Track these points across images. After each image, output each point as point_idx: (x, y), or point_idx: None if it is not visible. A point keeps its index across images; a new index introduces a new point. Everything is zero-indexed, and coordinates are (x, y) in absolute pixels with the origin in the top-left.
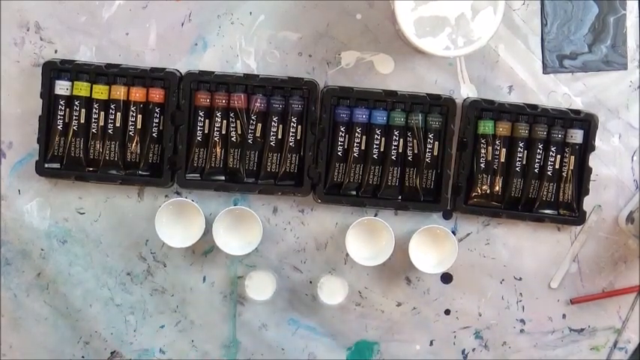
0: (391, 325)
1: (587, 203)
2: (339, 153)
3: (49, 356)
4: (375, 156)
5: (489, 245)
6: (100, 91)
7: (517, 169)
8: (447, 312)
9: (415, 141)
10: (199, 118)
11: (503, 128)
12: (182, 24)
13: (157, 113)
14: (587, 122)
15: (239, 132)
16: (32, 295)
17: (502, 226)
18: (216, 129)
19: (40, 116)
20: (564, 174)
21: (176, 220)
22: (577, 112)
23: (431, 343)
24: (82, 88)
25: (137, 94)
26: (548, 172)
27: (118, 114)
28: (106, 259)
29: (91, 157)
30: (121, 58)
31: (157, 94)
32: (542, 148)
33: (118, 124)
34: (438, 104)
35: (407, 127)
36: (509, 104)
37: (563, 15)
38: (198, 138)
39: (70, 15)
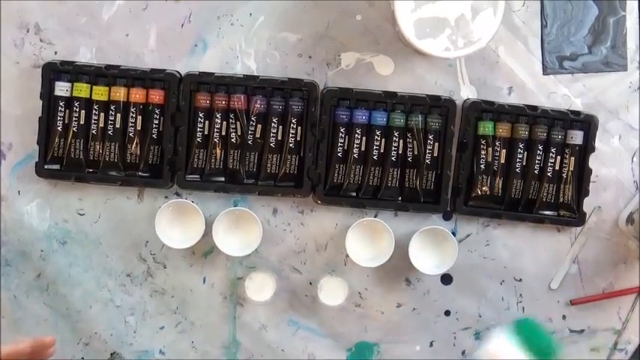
0: (391, 326)
1: (587, 204)
2: (339, 154)
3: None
4: (375, 157)
5: (489, 246)
6: (100, 93)
7: (517, 170)
8: (447, 313)
9: (415, 142)
10: (199, 119)
11: (503, 129)
12: (182, 25)
13: (157, 114)
14: (587, 123)
15: (239, 133)
16: (32, 296)
17: (502, 227)
18: (216, 130)
19: (39, 117)
20: (564, 175)
21: (176, 222)
22: (577, 113)
23: (431, 344)
24: (81, 90)
25: (137, 95)
26: (548, 174)
27: (118, 115)
28: (105, 260)
29: (91, 158)
30: (121, 59)
31: (156, 96)
32: (542, 149)
33: (117, 126)
34: (437, 105)
35: (407, 129)
36: (509, 105)
37: (563, 16)
38: (198, 139)
39: (69, 16)
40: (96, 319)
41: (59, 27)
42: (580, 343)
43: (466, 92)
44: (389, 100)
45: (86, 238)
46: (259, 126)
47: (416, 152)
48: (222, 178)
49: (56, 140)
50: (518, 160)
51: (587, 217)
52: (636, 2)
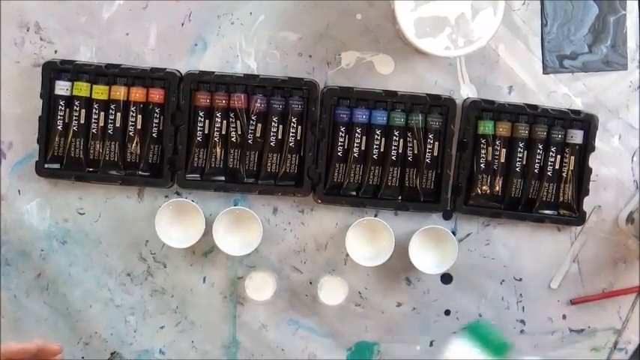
0: (391, 325)
1: (587, 204)
2: (339, 153)
3: None
4: (375, 156)
5: (489, 246)
6: (100, 92)
7: (517, 169)
8: (447, 312)
9: (415, 141)
10: (199, 118)
11: (503, 128)
12: (182, 24)
13: (157, 113)
14: (587, 123)
15: (239, 132)
16: (32, 296)
17: (502, 226)
18: (216, 129)
19: (40, 116)
20: (564, 174)
21: (176, 221)
22: (577, 112)
23: (431, 344)
24: (82, 89)
25: (137, 94)
26: (548, 173)
27: (118, 114)
28: (106, 259)
29: (91, 157)
30: (121, 58)
31: (156, 95)
32: (542, 149)
33: (117, 125)
34: (438, 104)
35: (407, 128)
36: (509, 104)
37: (563, 15)
38: (198, 138)
39: (70, 15)
40: (96, 318)
41: (59, 26)
42: (580, 343)
43: (466, 91)
44: (389, 100)
45: (86, 238)
46: (259, 125)
47: (416, 151)
48: (223, 178)
49: (56, 139)
50: (518, 159)
51: (587, 216)
52: (636, 1)
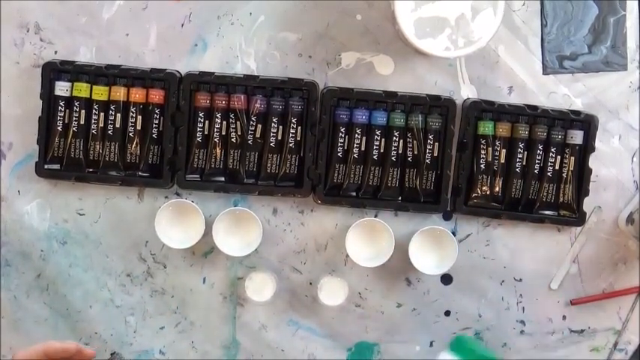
0: (391, 326)
1: (587, 204)
2: (339, 154)
3: None
4: (375, 157)
5: (489, 246)
6: (100, 92)
7: (517, 170)
8: (447, 313)
9: (415, 142)
10: (199, 119)
11: (503, 129)
12: (182, 25)
13: (157, 114)
14: (587, 123)
15: (239, 133)
16: (32, 296)
17: (502, 227)
18: (216, 130)
19: (39, 117)
20: (564, 175)
21: (176, 222)
22: (577, 113)
23: (431, 344)
24: (81, 89)
25: (137, 95)
26: (548, 173)
27: (118, 115)
28: (105, 260)
29: (91, 158)
30: (121, 59)
31: (156, 95)
32: (542, 149)
33: (117, 125)
34: (438, 105)
35: (407, 128)
36: (509, 105)
37: (563, 16)
38: (198, 139)
39: (70, 16)
40: (96, 319)
41: (59, 27)
42: (580, 343)
43: (466, 92)
44: (389, 100)
45: (86, 238)
46: (259, 126)
47: (416, 152)
48: (223, 178)
49: (56, 140)
50: (518, 159)
51: (587, 217)
52: (636, 2)
